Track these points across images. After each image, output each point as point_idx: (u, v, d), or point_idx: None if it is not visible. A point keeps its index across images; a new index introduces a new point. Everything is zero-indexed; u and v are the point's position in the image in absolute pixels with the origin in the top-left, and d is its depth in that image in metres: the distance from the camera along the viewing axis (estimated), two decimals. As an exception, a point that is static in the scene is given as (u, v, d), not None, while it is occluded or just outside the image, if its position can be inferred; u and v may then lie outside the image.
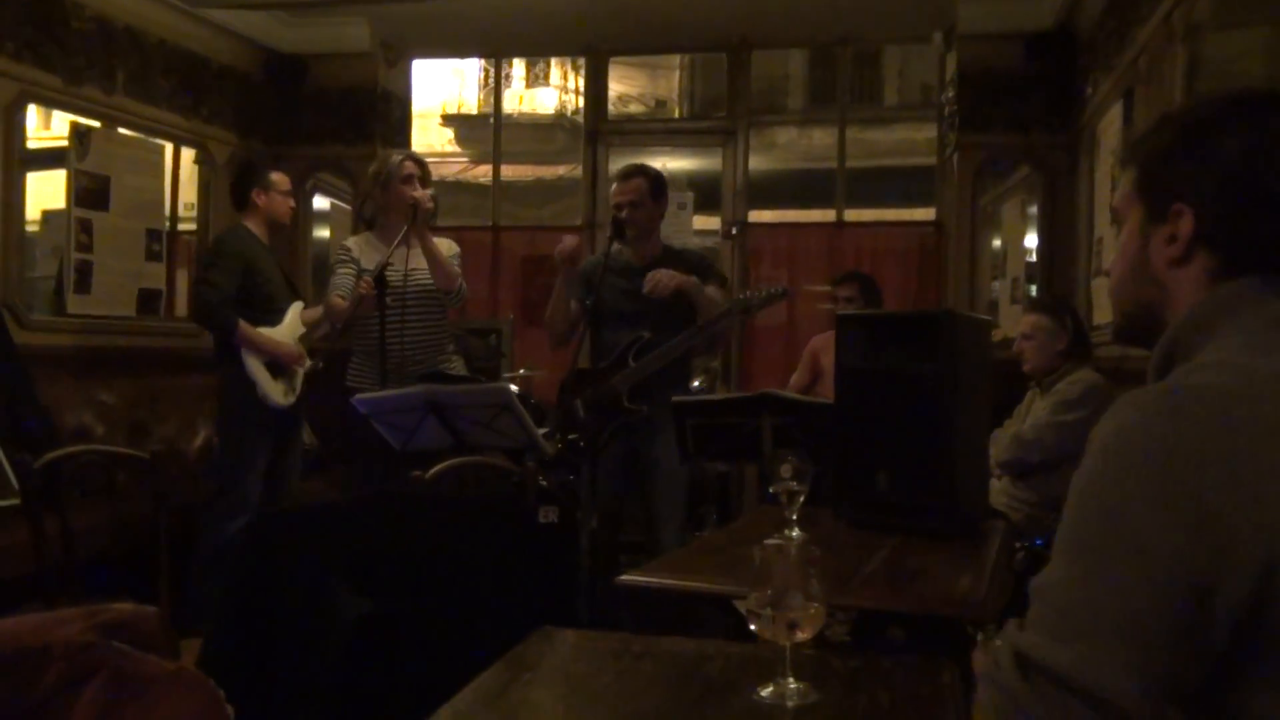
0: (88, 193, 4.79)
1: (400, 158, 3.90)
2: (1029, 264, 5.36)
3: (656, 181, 3.75)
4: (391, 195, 3.83)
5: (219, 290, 3.98)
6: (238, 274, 4.03)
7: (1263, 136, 1.06)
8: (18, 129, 4.42)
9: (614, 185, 3.77)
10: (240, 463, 4.02)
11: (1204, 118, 1.11)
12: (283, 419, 4.12)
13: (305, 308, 4.28)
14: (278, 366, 4.06)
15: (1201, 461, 0.89)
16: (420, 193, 3.77)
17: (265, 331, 4.06)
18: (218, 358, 4.11)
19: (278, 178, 4.28)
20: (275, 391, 4.05)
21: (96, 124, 4.85)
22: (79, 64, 4.69)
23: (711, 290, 3.63)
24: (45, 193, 4.92)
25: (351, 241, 3.96)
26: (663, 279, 3.54)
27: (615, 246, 3.71)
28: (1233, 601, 0.88)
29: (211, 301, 3.99)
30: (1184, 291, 1.09)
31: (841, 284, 4.87)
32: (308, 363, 4.20)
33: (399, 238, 3.66)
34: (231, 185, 4.38)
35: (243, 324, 3.98)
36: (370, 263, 3.75)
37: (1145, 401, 0.96)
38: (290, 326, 4.18)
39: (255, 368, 4.01)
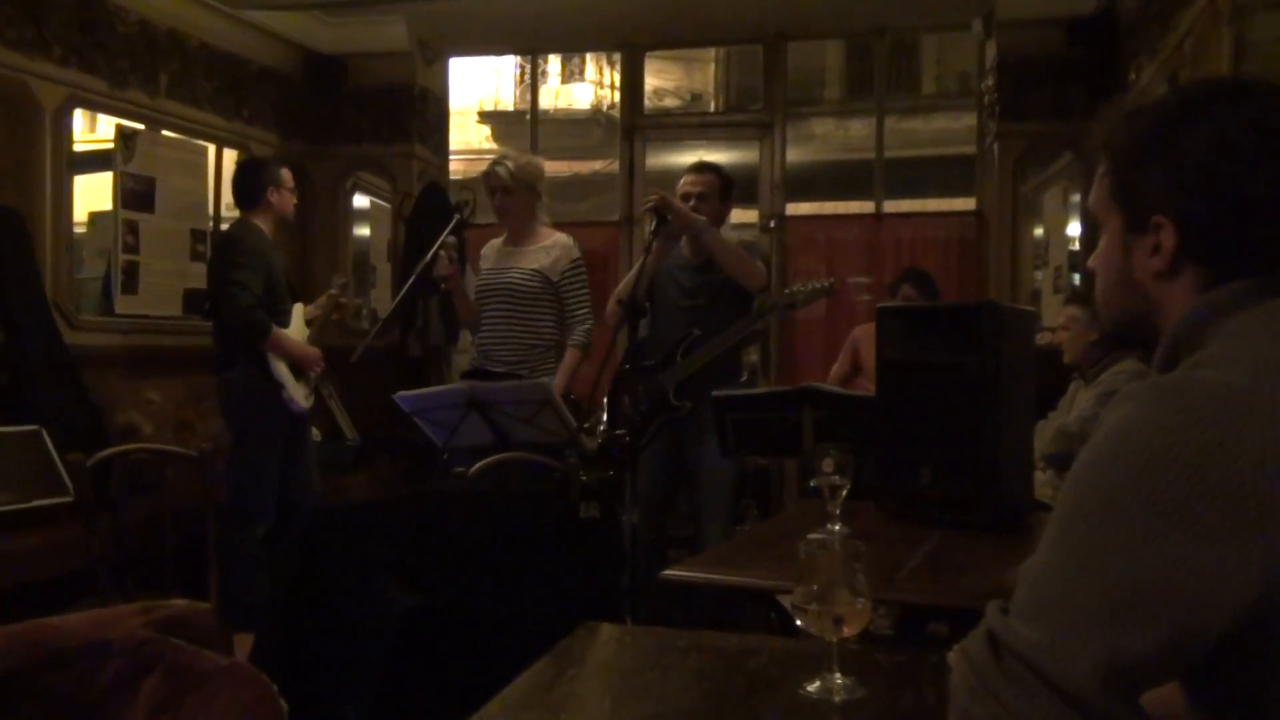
0: (133, 194, 4.86)
1: (491, 169, 3.92)
2: (1071, 253, 5.28)
3: (728, 181, 3.79)
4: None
5: (251, 292, 3.89)
6: (263, 274, 3.97)
7: (1228, 131, 1.02)
8: (65, 132, 4.50)
9: (684, 176, 3.77)
10: (261, 466, 4.00)
11: (1171, 112, 1.07)
12: (293, 420, 4.10)
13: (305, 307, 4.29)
14: (298, 368, 4.06)
15: (1201, 463, 0.86)
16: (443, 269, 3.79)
17: (289, 335, 4.07)
18: (227, 360, 4.02)
19: (286, 174, 4.21)
20: (299, 394, 4.04)
21: (141, 126, 4.92)
22: (124, 67, 4.76)
23: (729, 240, 3.62)
24: (92, 195, 5.01)
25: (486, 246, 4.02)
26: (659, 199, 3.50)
27: (669, 242, 3.73)
28: (1222, 614, 0.86)
29: (247, 304, 3.88)
30: (1174, 303, 1.07)
31: (906, 283, 4.81)
32: (322, 366, 4.17)
33: (440, 239, 3.72)
34: (237, 183, 4.24)
35: (275, 327, 3.95)
36: (492, 263, 3.87)
37: (1148, 396, 0.93)
38: (297, 328, 4.16)
39: (282, 370, 3.98)
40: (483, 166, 4.02)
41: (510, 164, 3.88)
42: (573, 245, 3.93)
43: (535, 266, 3.84)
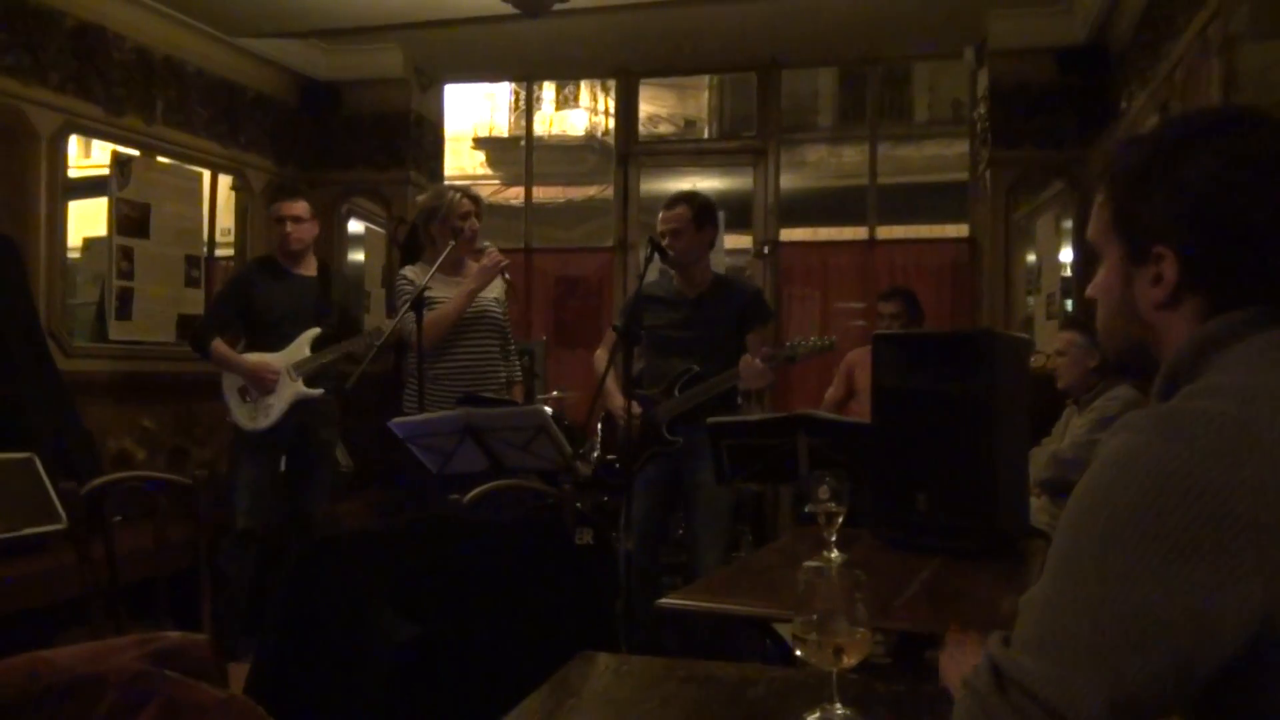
0: (128, 220, 4.86)
1: (457, 194, 3.90)
2: (1064, 279, 5.31)
3: (701, 209, 3.70)
4: (447, 230, 3.82)
5: (206, 317, 4.17)
6: (232, 303, 4.16)
7: (1231, 161, 1.02)
8: (60, 158, 4.50)
9: (660, 213, 3.76)
10: (240, 487, 4.05)
11: (1172, 142, 1.07)
12: (275, 443, 4.09)
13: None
14: (249, 391, 4.07)
15: (1201, 492, 0.86)
16: (498, 255, 3.79)
17: (253, 356, 4.08)
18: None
19: (275, 205, 4.23)
20: (241, 414, 4.09)
21: (136, 153, 4.93)
22: (120, 94, 4.77)
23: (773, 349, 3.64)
24: (87, 221, 5.01)
25: (410, 271, 3.94)
26: (759, 379, 3.55)
27: (662, 270, 3.74)
28: (1224, 643, 0.87)
29: (195, 328, 4.19)
30: (1175, 333, 1.07)
31: (886, 300, 4.85)
32: (290, 388, 4.07)
33: (434, 267, 3.70)
34: None
35: (218, 346, 4.06)
36: (440, 292, 3.78)
37: (1146, 424, 0.94)
38: (291, 352, 4.10)
39: (228, 390, 4.10)
40: (477, 192, 4.02)
41: (476, 193, 3.99)
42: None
43: (495, 295, 3.94)
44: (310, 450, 4.20)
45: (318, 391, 4.12)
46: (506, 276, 3.89)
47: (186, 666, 1.09)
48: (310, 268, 4.25)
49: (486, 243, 3.87)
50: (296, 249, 4.21)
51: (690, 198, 3.73)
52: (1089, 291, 1.20)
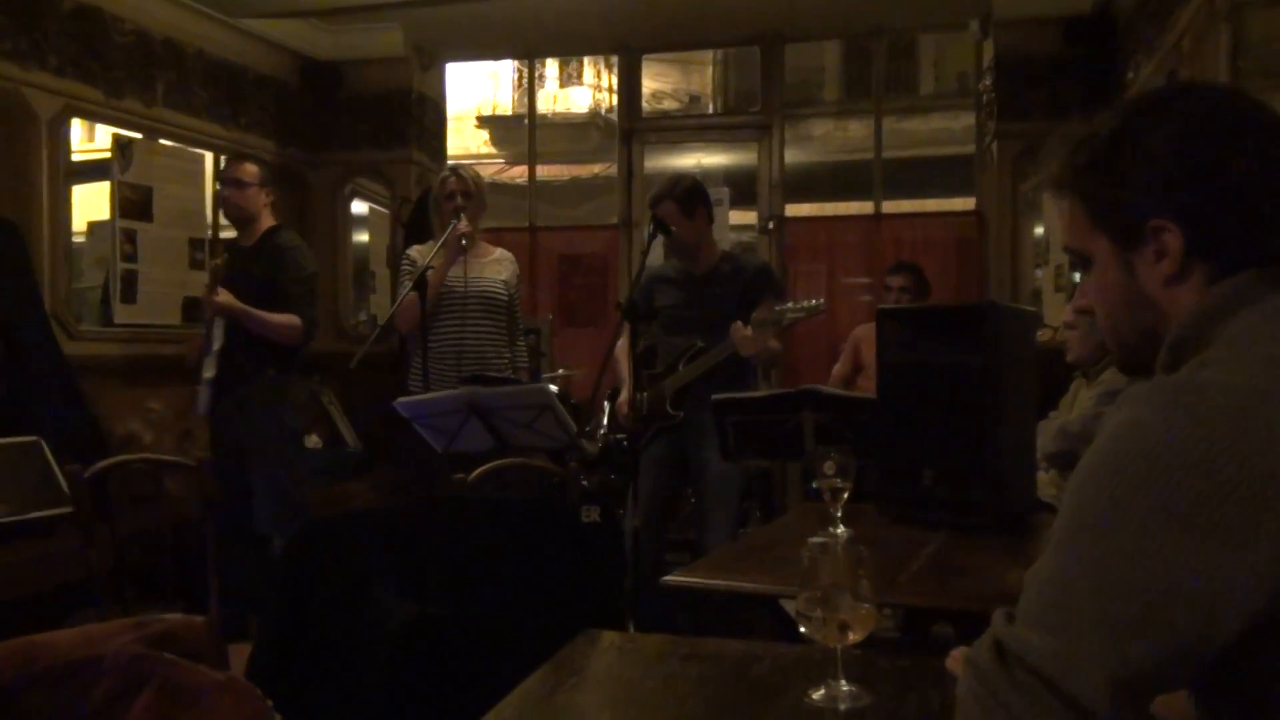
0: (131, 203, 4.85)
1: (443, 174, 3.88)
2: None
3: (684, 199, 3.61)
4: (440, 211, 3.84)
5: None
6: None
7: (1197, 121, 1.03)
8: (62, 142, 4.49)
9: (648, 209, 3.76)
10: None
11: (1130, 123, 1.06)
12: (221, 429, 3.98)
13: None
14: (197, 377, 3.94)
15: (1210, 465, 0.85)
16: (463, 226, 3.72)
17: None
18: None
19: (223, 168, 4.05)
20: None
21: (138, 135, 4.91)
22: (120, 77, 4.75)
23: (762, 313, 3.54)
24: (90, 204, 5.01)
25: (415, 252, 3.91)
26: (749, 345, 3.47)
27: (670, 258, 3.74)
28: (1231, 618, 0.85)
29: None
30: (1183, 306, 1.05)
31: (894, 274, 4.82)
32: (207, 372, 3.94)
33: (437, 247, 3.69)
34: None
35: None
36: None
37: (1154, 396, 0.92)
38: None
39: None
40: (481, 171, 4.01)
41: (470, 171, 3.92)
42: (514, 259, 4.02)
43: (503, 278, 3.91)
44: (238, 436, 3.97)
45: (208, 374, 3.91)
46: (465, 243, 3.73)
47: (184, 649, 1.09)
48: (255, 238, 3.99)
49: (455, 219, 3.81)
50: (234, 215, 4.01)
51: (672, 190, 3.62)
52: (1079, 303, 1.18)
